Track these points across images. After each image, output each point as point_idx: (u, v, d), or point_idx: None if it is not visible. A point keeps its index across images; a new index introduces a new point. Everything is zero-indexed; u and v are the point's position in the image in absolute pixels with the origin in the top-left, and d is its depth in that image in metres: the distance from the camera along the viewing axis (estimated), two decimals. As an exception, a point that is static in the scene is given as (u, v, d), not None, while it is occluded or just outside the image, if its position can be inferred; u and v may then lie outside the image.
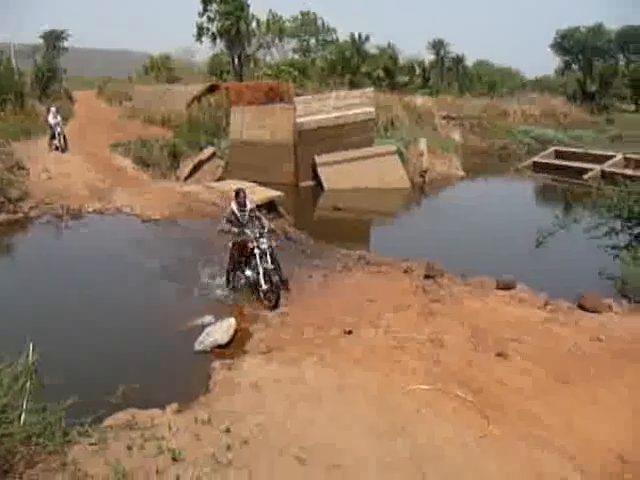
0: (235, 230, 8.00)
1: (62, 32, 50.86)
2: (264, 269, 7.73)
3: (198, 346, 6.53)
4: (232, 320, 6.86)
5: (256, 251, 7.80)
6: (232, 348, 6.50)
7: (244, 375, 5.53)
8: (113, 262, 9.61)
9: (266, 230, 8.11)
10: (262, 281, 7.71)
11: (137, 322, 7.47)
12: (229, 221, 8.12)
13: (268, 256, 7.84)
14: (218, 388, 5.35)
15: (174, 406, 4.94)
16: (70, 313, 7.62)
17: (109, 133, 22.78)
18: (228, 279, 8.37)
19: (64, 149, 18.58)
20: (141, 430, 4.35)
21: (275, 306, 7.51)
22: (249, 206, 8.22)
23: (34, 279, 8.91)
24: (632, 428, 4.66)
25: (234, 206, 8.19)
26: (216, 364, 5.90)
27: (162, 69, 43.77)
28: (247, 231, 7.98)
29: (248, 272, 8.08)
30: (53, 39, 49.53)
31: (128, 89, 34.19)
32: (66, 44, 50.65)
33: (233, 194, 8.38)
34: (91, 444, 4.09)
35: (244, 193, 8.21)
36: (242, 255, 8.11)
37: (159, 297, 8.23)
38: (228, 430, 4.36)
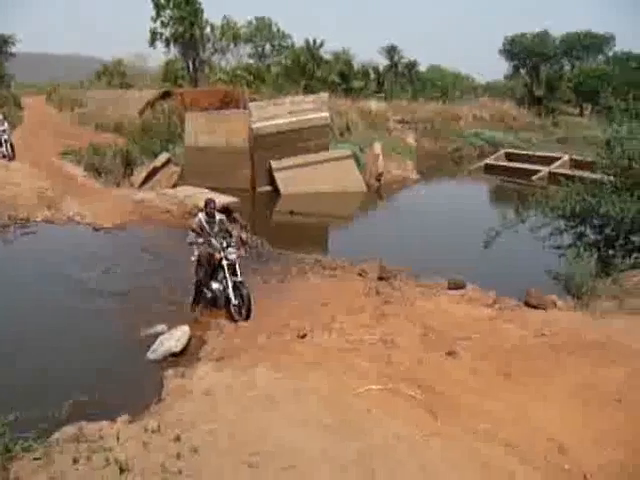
0: (200, 241, 7.64)
1: (9, 37, 49.12)
2: (233, 282, 7.42)
3: (151, 355, 6.45)
4: (186, 328, 6.81)
5: (224, 262, 7.49)
6: (186, 356, 6.46)
7: (197, 383, 5.50)
8: (61, 272, 9.36)
9: (234, 240, 7.79)
10: (232, 295, 7.40)
11: (88, 334, 7.28)
12: (196, 233, 7.74)
13: (237, 267, 7.53)
14: (170, 396, 5.30)
15: (125, 417, 4.87)
16: (14, 325, 7.38)
17: (59, 140, 22.21)
18: (195, 296, 7.87)
19: (11, 157, 17.98)
20: (88, 442, 4.27)
21: (246, 319, 7.25)
22: (218, 217, 7.89)
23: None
24: (573, 419, 4.87)
25: (202, 217, 7.84)
26: (169, 372, 5.85)
27: (115, 74, 42.98)
28: (213, 241, 7.66)
29: (215, 285, 7.72)
30: (0, 44, 47.78)
31: (79, 95, 33.41)
32: (14, 49, 48.97)
33: (202, 204, 8.23)
34: (35, 459, 4.00)
35: (214, 204, 7.87)
36: (209, 268, 7.73)
37: (111, 308, 8.05)
38: (178, 438, 4.33)
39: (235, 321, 7.26)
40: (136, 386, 5.78)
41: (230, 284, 7.41)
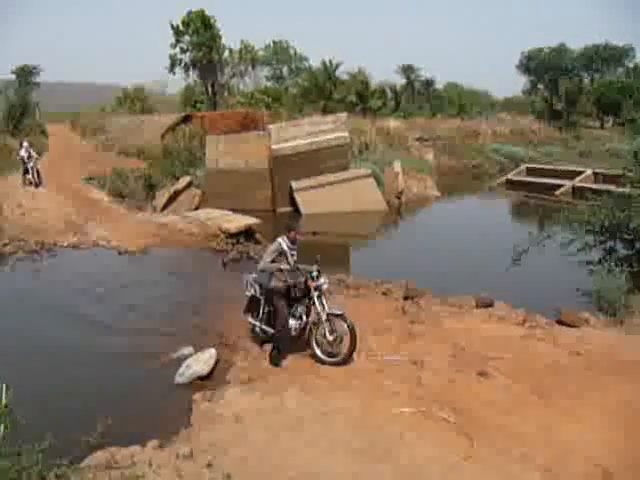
0: (287, 267, 6.58)
1: (34, 67, 50.83)
2: (328, 315, 6.39)
3: (178, 378, 6.42)
4: (212, 350, 6.77)
5: (314, 293, 6.42)
6: (213, 379, 6.40)
7: (225, 406, 5.46)
8: (90, 296, 9.45)
9: (318, 268, 6.64)
10: (326, 330, 6.37)
11: (116, 357, 7.31)
12: (273, 261, 6.65)
13: (324, 300, 6.52)
14: (199, 421, 5.26)
15: (155, 442, 4.84)
16: (45, 351, 7.43)
17: (84, 166, 22.68)
18: (279, 342, 6.60)
19: (38, 184, 18.40)
20: (121, 469, 4.25)
21: (348, 358, 6.27)
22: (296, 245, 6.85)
23: (7, 317, 8.70)
24: (613, 441, 4.70)
25: (284, 243, 6.67)
26: (197, 396, 5.80)
27: (136, 101, 43.91)
28: (301, 269, 6.66)
29: (291, 322, 6.61)
30: (25, 74, 49.41)
31: (101, 122, 34.16)
32: (38, 79, 50.60)
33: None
34: (69, 486, 3.98)
35: (297, 229, 6.82)
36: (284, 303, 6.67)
37: (137, 330, 8.07)
38: (210, 465, 4.28)
39: (326, 362, 6.34)
40: (164, 410, 5.74)
41: (324, 316, 6.37)
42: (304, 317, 6.66)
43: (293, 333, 6.64)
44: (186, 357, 6.80)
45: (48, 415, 5.52)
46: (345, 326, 6.25)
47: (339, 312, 6.37)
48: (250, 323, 7.17)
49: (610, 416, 5.07)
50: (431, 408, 5.28)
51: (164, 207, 17.41)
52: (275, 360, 6.48)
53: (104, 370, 6.80)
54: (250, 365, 6.51)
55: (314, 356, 6.44)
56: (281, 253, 6.65)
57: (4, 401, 3.88)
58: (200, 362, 6.54)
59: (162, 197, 17.87)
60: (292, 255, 6.71)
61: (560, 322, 7.56)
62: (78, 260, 12.08)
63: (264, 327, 6.95)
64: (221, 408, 5.43)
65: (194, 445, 4.68)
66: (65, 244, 12.81)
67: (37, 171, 18.65)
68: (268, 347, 6.79)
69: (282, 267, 6.56)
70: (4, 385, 4.07)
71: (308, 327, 6.65)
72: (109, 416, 5.34)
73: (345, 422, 5.06)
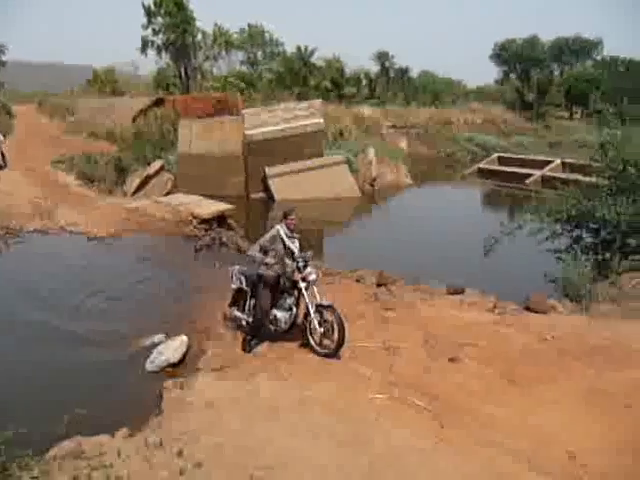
0: (271, 261, 6.40)
1: (0, 45, 48.91)
2: (317, 306, 6.28)
3: (149, 366, 6.33)
4: (184, 337, 6.70)
5: (301, 284, 6.31)
6: (185, 366, 6.33)
7: (197, 394, 5.40)
8: (58, 282, 9.23)
9: (309, 257, 6.57)
10: (316, 322, 6.26)
11: (85, 344, 7.16)
12: (266, 250, 6.45)
13: (315, 290, 6.46)
14: (170, 409, 5.19)
15: (124, 431, 4.77)
16: (14, 337, 7.23)
17: (52, 148, 22.01)
18: (254, 331, 6.58)
19: (3, 166, 17.83)
20: (88, 459, 4.17)
21: (339, 348, 6.12)
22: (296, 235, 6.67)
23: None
24: (583, 425, 4.82)
25: (282, 230, 6.52)
26: (168, 384, 5.71)
27: (106, 82, 42.75)
28: (287, 260, 6.46)
29: (280, 314, 6.49)
30: (-9, 53, 47.50)
31: (70, 103, 33.18)
32: (4, 58, 48.71)
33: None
34: (33, 477, 3.88)
35: (294, 215, 6.64)
36: (271, 293, 6.53)
37: (107, 318, 7.92)
38: (181, 453, 4.23)
39: (320, 354, 6.22)
40: (135, 398, 5.66)
41: (312, 309, 6.28)
42: (294, 308, 6.55)
43: (283, 326, 6.53)
44: (157, 344, 6.71)
45: (13, 404, 5.40)
46: (334, 318, 6.13)
47: (328, 304, 6.26)
48: (236, 317, 7.01)
49: (578, 400, 5.19)
50: (404, 394, 5.33)
51: (135, 192, 17.08)
52: (248, 347, 6.44)
53: (72, 357, 6.64)
54: (223, 352, 6.45)
55: (309, 346, 6.34)
56: (277, 240, 6.47)
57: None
58: (171, 349, 6.46)
59: (133, 181, 17.52)
60: (293, 242, 6.55)
61: (529, 308, 7.70)
62: (46, 245, 11.77)
63: (251, 320, 6.77)
64: (193, 396, 5.37)
65: (165, 433, 4.62)
66: (32, 229, 12.44)
67: (2, 153, 18.07)
68: (241, 334, 6.76)
69: (267, 261, 6.41)
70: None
71: (301, 318, 6.55)
72: (78, 405, 5.29)
73: (319, 409, 5.06)
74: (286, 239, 6.48)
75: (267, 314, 6.50)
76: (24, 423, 4.28)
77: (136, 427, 4.87)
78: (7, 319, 7.69)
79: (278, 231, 6.50)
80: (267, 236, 6.54)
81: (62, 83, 46.17)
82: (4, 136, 19.24)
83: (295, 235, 6.64)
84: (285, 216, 6.59)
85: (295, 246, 6.56)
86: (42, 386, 5.93)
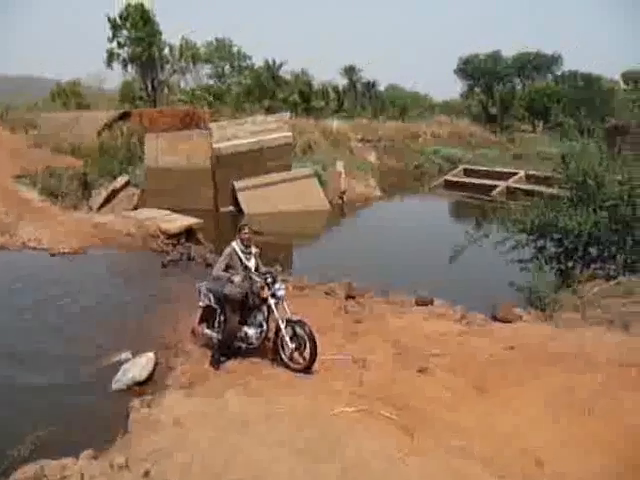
0: (238, 279, 6.32)
1: (-43, 57, 47.73)
2: (287, 321, 6.23)
3: (115, 385, 6.19)
4: (150, 354, 6.57)
5: (271, 300, 6.27)
6: (153, 384, 6.21)
7: (165, 412, 5.29)
8: (21, 299, 8.96)
9: (275, 273, 6.63)
10: (287, 338, 6.15)
11: (47, 364, 6.95)
12: (228, 266, 6.47)
13: (286, 306, 6.46)
14: (137, 428, 5.07)
15: (89, 452, 4.63)
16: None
17: (13, 163, 21.43)
18: (222, 348, 6.47)
19: (-39, 181, 17.32)
20: (50, 483, 4.04)
21: (312, 364, 6.08)
22: (254, 250, 6.72)
23: None
24: (549, 430, 4.91)
25: (237, 246, 6.51)
26: (135, 402, 5.59)
27: (71, 96, 42.05)
28: (254, 276, 6.42)
29: (251, 331, 6.44)
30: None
31: (34, 116, 32.49)
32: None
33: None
34: (-6, 503, 3.75)
35: (249, 230, 6.65)
36: (239, 310, 6.47)
37: (70, 335, 7.71)
38: (147, 473, 4.13)
39: (293, 369, 6.15)
40: (100, 419, 5.51)
41: (283, 325, 6.20)
42: (264, 325, 6.46)
43: (255, 342, 6.45)
44: (124, 362, 6.57)
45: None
46: (305, 332, 6.08)
47: (297, 319, 6.22)
48: (205, 334, 6.89)
49: (545, 406, 5.28)
50: (374, 406, 5.33)
51: (101, 206, 16.80)
52: (216, 364, 6.34)
53: (34, 377, 6.44)
54: (191, 368, 6.36)
55: (280, 362, 6.28)
56: (234, 258, 6.47)
57: None
58: (138, 367, 6.33)
59: (99, 196, 17.23)
60: (248, 259, 6.53)
61: (496, 318, 7.84)
62: (6, 262, 11.44)
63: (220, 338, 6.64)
64: (161, 413, 5.26)
65: (131, 453, 4.51)
66: (-8, 245, 12.10)
67: (-40, 168, 17.56)
68: (210, 350, 6.68)
69: (233, 278, 6.33)
70: None
71: (271, 334, 6.45)
72: (41, 426, 5.13)
73: (289, 422, 5.02)
74: (241, 255, 6.49)
75: (236, 332, 6.43)
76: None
77: (101, 448, 4.74)
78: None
79: (233, 248, 6.51)
80: (225, 253, 6.54)
81: (30, 96, 45.23)
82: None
83: (252, 250, 6.63)
84: (239, 230, 6.59)
85: (251, 263, 6.56)
86: (3, 406, 5.72)
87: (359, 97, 43.57)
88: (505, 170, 24.46)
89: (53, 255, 11.60)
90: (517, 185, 21.50)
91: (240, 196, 17.87)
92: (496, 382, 5.82)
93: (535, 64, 53.11)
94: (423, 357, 6.42)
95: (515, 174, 23.34)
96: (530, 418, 5.11)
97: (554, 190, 10.91)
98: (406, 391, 5.68)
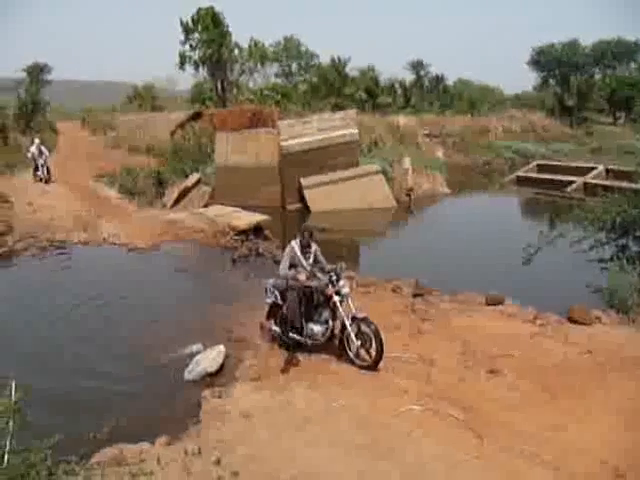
0: (303, 278, 6.48)
1: (45, 65, 51.15)
2: (353, 318, 6.24)
3: (187, 375, 6.43)
4: (221, 347, 6.78)
5: (336, 298, 6.31)
6: (222, 376, 6.41)
7: (234, 403, 5.46)
8: (99, 293, 9.48)
9: (340, 270, 6.60)
10: (353, 335, 6.19)
11: (125, 353, 7.33)
12: (292, 265, 6.67)
13: (351, 303, 6.47)
14: (208, 418, 5.26)
15: (163, 439, 4.85)
16: (54, 347, 7.47)
17: (93, 163, 22.78)
18: (289, 341, 6.67)
19: (47, 180, 18.54)
20: (129, 466, 4.26)
21: (378, 362, 6.10)
22: (314, 248, 6.85)
23: (17, 314, 8.75)
24: (625, 440, 4.65)
25: (295, 246, 6.73)
26: (206, 393, 5.80)
27: (145, 98, 44.03)
28: (319, 274, 6.60)
29: (317, 328, 6.52)
30: (36, 72, 49.70)
31: (112, 119, 34.31)
32: (49, 77, 50.90)
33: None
34: (77, 482, 3.98)
35: (310, 232, 6.78)
36: (301, 307, 6.55)
37: (146, 327, 8.09)
38: (218, 462, 4.28)
39: (359, 366, 6.16)
40: (174, 407, 5.75)
41: (348, 322, 6.25)
42: (330, 322, 6.49)
43: (320, 339, 6.52)
44: (195, 354, 6.81)
45: (57, 412, 5.56)
46: (370, 330, 6.08)
47: (362, 316, 6.21)
48: (272, 331, 7.05)
49: (617, 415, 5.03)
50: (439, 406, 5.25)
51: (174, 204, 17.45)
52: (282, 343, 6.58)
53: (113, 366, 6.82)
54: (259, 362, 6.50)
55: (345, 359, 6.30)
56: (294, 257, 6.68)
57: (14, 398, 3.90)
58: (209, 359, 6.54)
59: (171, 194, 17.91)
60: (307, 259, 6.71)
61: (571, 320, 7.48)
62: (88, 256, 12.15)
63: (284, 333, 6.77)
64: (230, 405, 5.43)
65: (203, 442, 4.69)
66: (75, 241, 12.87)
67: (47, 168, 18.80)
68: (278, 345, 6.81)
69: (298, 277, 6.47)
70: (13, 382, 4.09)
71: (337, 331, 6.51)
72: (119, 411, 5.42)
73: (352, 420, 5.05)
74: (299, 254, 6.70)
75: (299, 326, 6.53)
76: (68, 430, 4.40)
77: (175, 435, 4.95)
78: (48, 328, 7.96)
79: (292, 247, 6.75)
80: (285, 252, 6.81)
81: (105, 100, 47.80)
82: (49, 151, 20.00)
83: (311, 248, 6.78)
84: (302, 234, 6.76)
85: (308, 262, 6.73)
86: (84, 395, 6.08)
87: (426, 92, 42.81)
88: (582, 165, 23.27)
89: (130, 250, 12.19)
90: (596, 181, 20.38)
91: (307, 193, 18.03)
92: (568, 387, 5.59)
93: (616, 52, 50.17)
94: (491, 358, 6.26)
95: (593, 169, 22.14)
96: (604, 426, 4.88)
97: (638, 186, 10.24)
98: (473, 392, 5.56)
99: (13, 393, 3.84)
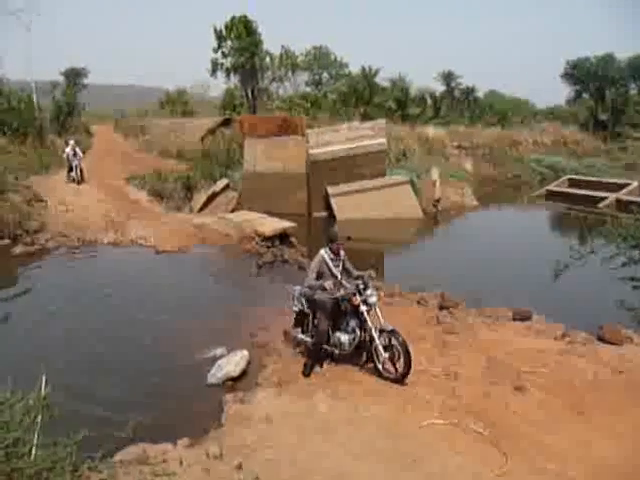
0: (330, 285, 6.35)
1: (82, 69, 52.64)
2: (381, 330, 6.14)
3: (210, 379, 6.47)
4: (244, 352, 6.81)
5: (363, 307, 6.22)
6: (244, 380, 6.43)
7: (256, 408, 5.47)
8: (126, 294, 9.64)
9: (367, 278, 6.54)
10: (381, 348, 6.10)
11: (149, 355, 7.43)
12: (319, 274, 6.55)
13: (379, 312, 6.35)
14: (230, 422, 5.29)
15: (185, 440, 4.89)
16: (82, 346, 7.61)
17: (125, 166, 23.23)
18: (313, 355, 6.51)
19: (80, 181, 18.96)
20: (152, 465, 4.29)
21: (405, 375, 5.98)
22: (342, 254, 6.69)
23: (47, 312, 8.93)
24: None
25: (326, 255, 6.58)
26: (228, 397, 5.84)
27: (177, 103, 44.78)
28: (345, 283, 6.53)
29: (344, 337, 6.37)
30: (73, 76, 51.13)
31: (144, 123, 34.95)
32: (85, 81, 52.34)
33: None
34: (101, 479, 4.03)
35: (339, 241, 6.62)
36: (330, 316, 6.48)
37: (171, 329, 8.18)
38: (240, 466, 4.28)
39: (386, 378, 6.08)
40: (196, 410, 5.80)
41: (376, 334, 6.15)
42: (357, 331, 6.35)
43: (347, 348, 6.39)
44: (218, 357, 6.86)
45: (82, 409, 5.64)
46: (398, 343, 5.98)
47: (391, 328, 6.10)
48: (298, 339, 7.00)
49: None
50: (464, 420, 5.17)
51: (201, 208, 17.66)
52: (307, 370, 6.35)
53: (137, 366, 6.92)
54: (282, 368, 6.50)
55: (373, 369, 6.23)
56: (323, 266, 6.56)
57: (43, 393, 3.97)
58: (232, 363, 6.58)
59: (200, 198, 18.13)
60: (336, 267, 6.57)
61: (601, 339, 7.30)
62: (117, 257, 12.36)
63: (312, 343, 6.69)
64: (252, 410, 5.45)
65: (224, 445, 4.70)
66: (105, 241, 13.14)
67: (81, 169, 19.23)
68: (302, 352, 6.80)
69: (326, 285, 6.36)
70: (43, 377, 4.17)
71: (367, 340, 6.36)
72: (142, 411, 5.47)
73: (376, 429, 5.01)
74: (330, 263, 6.55)
75: (326, 336, 6.46)
76: (92, 427, 4.45)
77: (197, 437, 4.98)
78: (74, 328, 8.10)
79: (322, 256, 6.59)
80: (314, 261, 6.65)
81: (139, 104, 48.76)
82: (83, 153, 20.47)
83: (340, 256, 6.63)
84: (330, 241, 6.61)
85: (338, 270, 6.57)
86: (108, 394, 6.15)
87: (456, 103, 42.54)
88: (615, 181, 22.77)
89: (157, 253, 12.37)
90: (630, 197, 19.92)
91: (333, 201, 18.05)
92: (595, 406, 5.46)
93: (653, 67, 49.02)
94: (517, 374, 6.14)
95: (627, 185, 21.64)
96: (631, 445, 4.72)
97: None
98: (498, 408, 5.46)
99: (43, 388, 3.92)
